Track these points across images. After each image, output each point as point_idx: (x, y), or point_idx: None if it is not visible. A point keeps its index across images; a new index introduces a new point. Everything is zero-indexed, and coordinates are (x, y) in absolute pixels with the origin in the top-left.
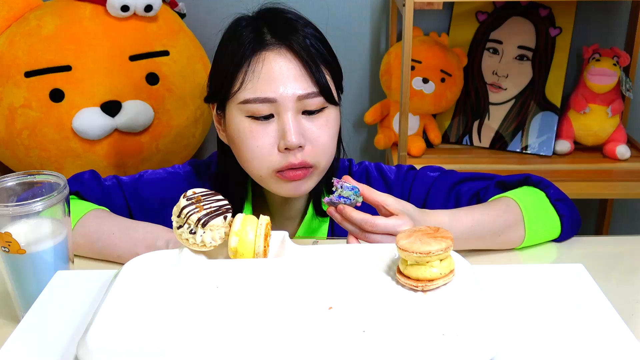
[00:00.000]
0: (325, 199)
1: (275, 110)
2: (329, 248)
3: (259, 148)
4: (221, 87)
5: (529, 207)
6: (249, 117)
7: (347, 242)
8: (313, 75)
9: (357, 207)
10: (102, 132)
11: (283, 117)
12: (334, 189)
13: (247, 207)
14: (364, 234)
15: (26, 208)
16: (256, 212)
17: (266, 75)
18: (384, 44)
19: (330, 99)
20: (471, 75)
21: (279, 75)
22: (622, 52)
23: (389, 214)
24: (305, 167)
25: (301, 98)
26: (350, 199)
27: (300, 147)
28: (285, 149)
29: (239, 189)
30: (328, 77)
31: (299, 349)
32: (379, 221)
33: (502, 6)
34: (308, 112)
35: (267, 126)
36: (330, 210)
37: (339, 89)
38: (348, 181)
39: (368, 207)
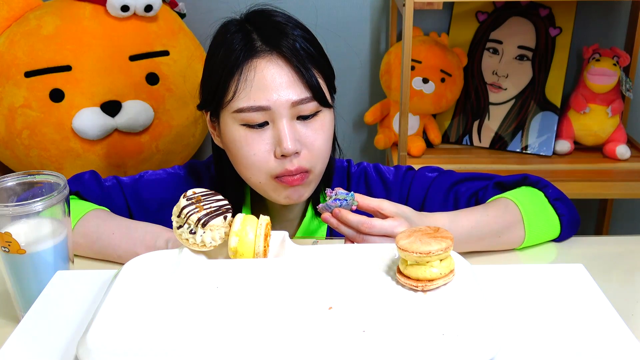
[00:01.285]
0: (320, 205)
1: (269, 117)
2: (328, 248)
3: (256, 156)
4: (214, 95)
5: (528, 207)
6: (244, 125)
7: None
8: (305, 80)
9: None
10: (102, 132)
11: (278, 124)
12: (327, 198)
13: (246, 211)
14: (361, 236)
15: (26, 208)
16: (255, 215)
17: (259, 83)
18: (384, 44)
19: (324, 102)
20: (471, 75)
21: (271, 82)
22: (622, 52)
23: (385, 218)
24: (302, 172)
25: (295, 104)
26: (346, 201)
27: (297, 153)
28: (282, 155)
29: (237, 193)
30: (320, 80)
31: (299, 349)
32: (376, 222)
33: (502, 6)
34: (303, 117)
35: (262, 133)
36: (325, 216)
37: (332, 89)
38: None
39: (364, 214)
